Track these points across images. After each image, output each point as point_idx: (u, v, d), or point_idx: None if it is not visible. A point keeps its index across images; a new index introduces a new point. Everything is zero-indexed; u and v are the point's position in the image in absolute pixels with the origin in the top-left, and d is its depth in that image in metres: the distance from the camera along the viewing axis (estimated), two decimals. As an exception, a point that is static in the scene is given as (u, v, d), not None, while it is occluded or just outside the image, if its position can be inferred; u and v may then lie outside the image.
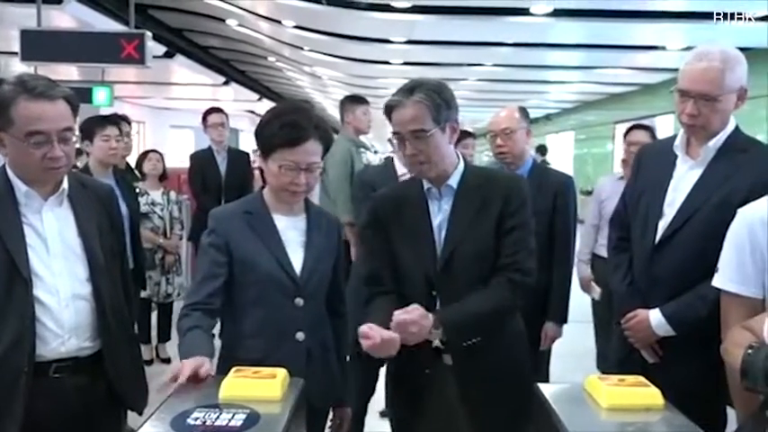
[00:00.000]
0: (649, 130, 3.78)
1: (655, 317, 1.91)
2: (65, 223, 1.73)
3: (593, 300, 3.83)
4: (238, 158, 4.99)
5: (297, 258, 1.76)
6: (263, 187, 1.82)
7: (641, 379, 1.43)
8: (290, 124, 1.69)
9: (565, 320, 2.83)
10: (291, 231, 1.79)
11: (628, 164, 3.76)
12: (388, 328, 1.59)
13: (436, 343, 1.72)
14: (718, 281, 1.64)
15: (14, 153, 1.65)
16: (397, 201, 1.85)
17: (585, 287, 3.82)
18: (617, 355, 2.12)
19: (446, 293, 1.75)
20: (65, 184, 1.74)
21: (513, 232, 1.75)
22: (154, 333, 4.74)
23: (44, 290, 1.65)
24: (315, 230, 1.81)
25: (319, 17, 8.29)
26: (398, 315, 1.59)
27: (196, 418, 1.19)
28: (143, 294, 4.38)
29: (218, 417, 1.19)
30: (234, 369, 1.37)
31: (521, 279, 1.74)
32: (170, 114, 19.70)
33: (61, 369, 1.67)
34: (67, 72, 11.43)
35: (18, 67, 7.86)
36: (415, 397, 1.82)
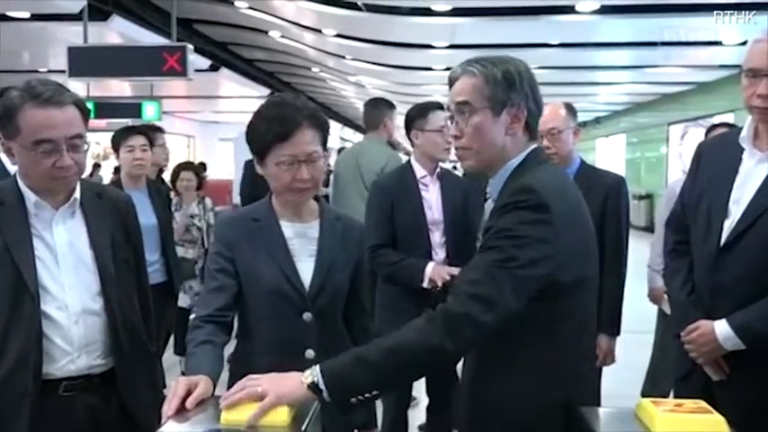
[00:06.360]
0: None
1: (721, 328, 1.70)
2: (76, 235, 1.64)
3: (660, 312, 3.51)
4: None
5: (306, 270, 1.62)
6: (272, 193, 1.69)
7: (702, 404, 1.23)
8: (276, 118, 1.57)
9: (618, 332, 2.62)
10: (301, 240, 1.65)
11: None
12: None
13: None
14: None
15: (23, 162, 1.57)
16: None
17: (656, 299, 3.50)
18: (676, 373, 1.92)
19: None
20: (77, 194, 1.66)
21: None
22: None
23: (53, 305, 1.56)
24: (328, 238, 1.66)
25: (360, 24, 8.24)
26: None
27: (192, 447, 1.07)
28: (183, 304, 4.33)
29: (216, 445, 1.06)
30: (241, 390, 1.24)
31: None
32: (218, 128, 20.05)
33: (71, 387, 1.58)
34: (120, 88, 11.73)
35: (71, 85, 8.06)
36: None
